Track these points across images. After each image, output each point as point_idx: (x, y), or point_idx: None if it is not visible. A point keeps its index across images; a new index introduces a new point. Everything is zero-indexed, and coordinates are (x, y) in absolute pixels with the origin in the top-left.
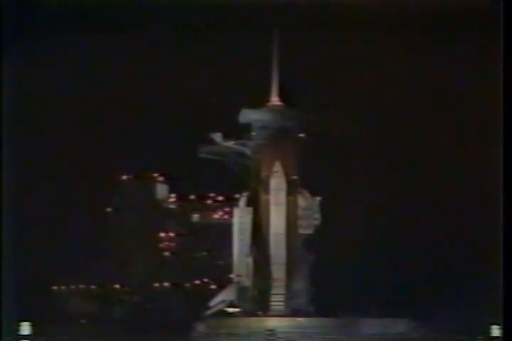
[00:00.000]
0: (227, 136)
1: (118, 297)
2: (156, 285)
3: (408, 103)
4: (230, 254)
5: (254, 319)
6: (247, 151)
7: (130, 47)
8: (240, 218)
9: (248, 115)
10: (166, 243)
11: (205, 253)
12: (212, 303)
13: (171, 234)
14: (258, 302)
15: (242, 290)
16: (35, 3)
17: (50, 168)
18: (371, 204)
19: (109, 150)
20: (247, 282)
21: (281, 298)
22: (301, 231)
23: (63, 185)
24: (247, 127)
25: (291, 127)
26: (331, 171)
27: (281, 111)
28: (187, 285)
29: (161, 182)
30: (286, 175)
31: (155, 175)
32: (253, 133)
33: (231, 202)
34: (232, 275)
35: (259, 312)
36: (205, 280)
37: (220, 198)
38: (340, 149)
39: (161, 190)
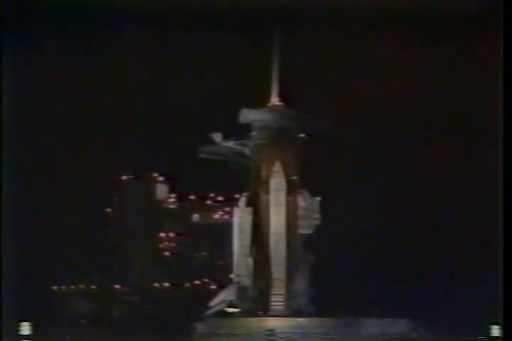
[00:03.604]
0: (227, 136)
1: (118, 297)
2: (156, 285)
3: (408, 103)
4: (230, 254)
5: (254, 319)
6: (247, 151)
7: (130, 47)
8: (240, 218)
9: (248, 115)
10: (166, 243)
11: (205, 253)
12: (212, 303)
13: (171, 234)
14: (258, 302)
15: (242, 290)
16: (35, 3)
17: (50, 168)
18: (371, 204)
19: (110, 150)
20: (247, 282)
21: (281, 298)
22: (301, 231)
23: (63, 185)
24: (247, 127)
25: (291, 127)
26: (331, 171)
27: (281, 111)
28: (187, 285)
29: (161, 182)
30: (286, 175)
31: (155, 175)
32: (253, 133)
33: (231, 202)
34: (232, 275)
35: (259, 312)
36: (205, 280)
37: (220, 198)
38: (340, 149)
39: (161, 190)
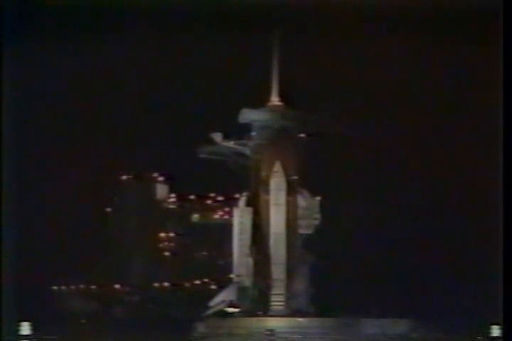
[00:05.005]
0: (227, 136)
1: (118, 297)
2: (156, 285)
3: (408, 103)
4: (230, 254)
5: (254, 319)
6: (247, 151)
7: (130, 47)
8: (240, 218)
9: (248, 115)
10: (166, 243)
11: (205, 253)
12: (212, 303)
13: (171, 234)
14: (258, 302)
15: (242, 290)
16: (35, 3)
17: (50, 168)
18: (371, 204)
19: (109, 150)
20: (247, 282)
21: (281, 298)
22: (301, 231)
23: (63, 185)
24: (247, 127)
25: (291, 127)
26: (331, 171)
27: (281, 111)
28: (187, 285)
29: (161, 182)
30: (286, 175)
31: (155, 175)
32: (253, 133)
33: (231, 202)
34: (232, 275)
35: (259, 312)
36: (205, 280)
37: (220, 198)
38: (340, 149)
39: (161, 190)
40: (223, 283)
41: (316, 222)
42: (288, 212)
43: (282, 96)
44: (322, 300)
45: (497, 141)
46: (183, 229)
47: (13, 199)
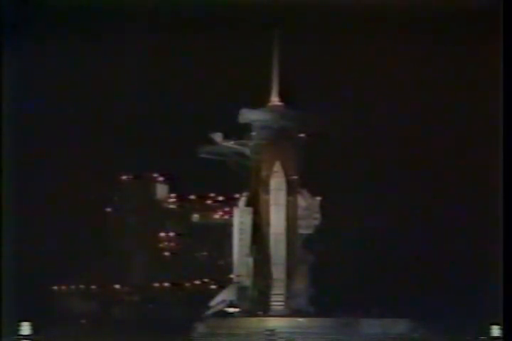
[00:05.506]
0: (227, 136)
1: (118, 297)
2: (156, 285)
3: (408, 103)
4: (230, 254)
5: (254, 319)
6: (247, 151)
7: (130, 47)
8: (240, 218)
9: (248, 115)
10: (166, 243)
11: (205, 253)
12: (212, 303)
13: (171, 234)
14: (258, 303)
15: (242, 290)
16: (35, 3)
17: (50, 167)
18: (371, 204)
19: (109, 150)
20: (247, 282)
21: (281, 298)
22: (301, 231)
23: (63, 185)
24: (247, 127)
25: (291, 127)
26: (331, 171)
27: (281, 111)
28: (187, 285)
29: (161, 182)
30: (286, 175)
31: (155, 175)
32: (253, 133)
33: (231, 202)
34: (232, 276)
35: (259, 312)
36: (205, 280)
37: (220, 198)
38: (340, 149)
39: (161, 190)
40: (223, 283)
41: (316, 222)
42: (288, 212)
43: (282, 96)
44: (322, 300)
45: (497, 140)
46: (183, 229)
47: (13, 199)
